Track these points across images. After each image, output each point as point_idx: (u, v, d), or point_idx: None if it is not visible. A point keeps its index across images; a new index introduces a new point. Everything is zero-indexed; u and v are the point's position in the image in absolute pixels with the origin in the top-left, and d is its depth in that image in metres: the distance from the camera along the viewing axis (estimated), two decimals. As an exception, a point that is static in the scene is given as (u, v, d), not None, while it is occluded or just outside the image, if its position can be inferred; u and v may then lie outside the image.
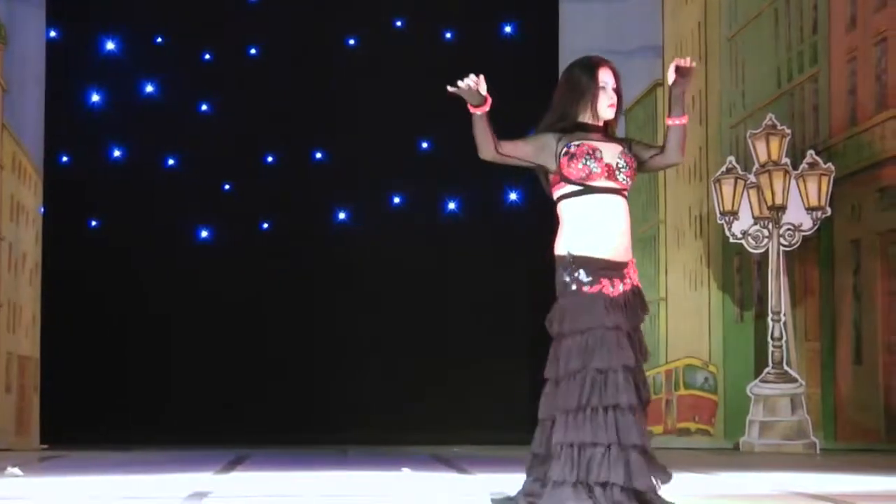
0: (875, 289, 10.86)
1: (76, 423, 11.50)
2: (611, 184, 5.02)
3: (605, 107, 5.10)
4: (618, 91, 5.12)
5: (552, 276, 5.04)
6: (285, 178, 12.16)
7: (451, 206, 12.18)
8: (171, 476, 7.67)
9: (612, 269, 4.97)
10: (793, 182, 10.91)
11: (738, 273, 11.60)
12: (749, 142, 11.05)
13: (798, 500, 6.35)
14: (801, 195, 10.89)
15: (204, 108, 12.21)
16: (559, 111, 5.10)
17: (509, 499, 5.16)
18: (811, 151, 10.98)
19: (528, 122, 5.21)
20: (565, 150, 5.02)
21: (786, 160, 10.92)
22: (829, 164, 10.91)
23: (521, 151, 5.07)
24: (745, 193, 11.03)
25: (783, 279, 10.94)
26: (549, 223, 5.24)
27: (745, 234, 11.03)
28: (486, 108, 4.98)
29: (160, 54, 12.13)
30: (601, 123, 5.13)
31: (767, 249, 10.97)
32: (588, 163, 5.00)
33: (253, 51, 12.27)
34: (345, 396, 11.80)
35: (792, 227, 10.92)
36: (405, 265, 11.94)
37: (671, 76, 5.09)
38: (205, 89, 12.19)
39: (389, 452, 10.12)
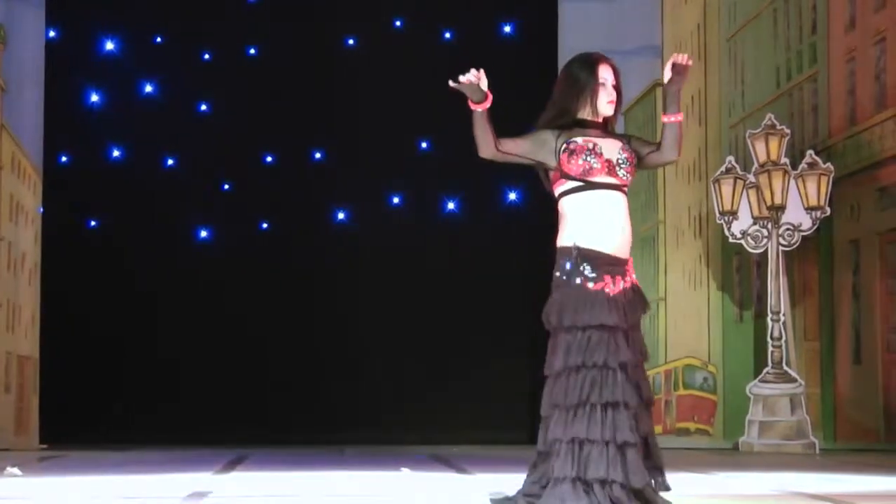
0: (874, 288, 10.87)
1: (75, 423, 11.50)
2: (611, 179, 5.02)
3: (605, 103, 5.11)
4: (617, 88, 5.13)
5: (552, 274, 5.03)
6: (285, 178, 12.15)
7: (451, 205, 12.18)
8: (170, 476, 7.67)
9: (614, 265, 4.98)
10: (792, 182, 10.91)
11: (737, 273, 11.60)
12: (748, 142, 11.05)
13: (797, 500, 6.35)
14: (800, 195, 10.90)
15: (203, 107, 12.21)
16: (558, 107, 5.10)
17: (508, 499, 5.17)
18: (810, 151, 10.98)
19: (528, 122, 5.20)
20: (565, 146, 5.02)
21: (785, 160, 10.93)
22: (829, 164, 10.92)
23: (520, 149, 5.07)
24: (745, 193, 11.04)
25: (782, 279, 10.94)
26: (548, 223, 5.24)
27: (744, 234, 11.03)
28: (487, 104, 4.98)
29: (159, 54, 12.12)
30: (600, 120, 5.13)
31: (767, 249, 10.97)
32: (588, 158, 5.00)
33: (252, 51, 12.26)
34: (344, 396, 11.80)
35: (791, 227, 10.92)
36: (404, 265, 11.94)
37: (667, 74, 5.09)
38: (204, 89, 12.18)
39: (389, 452, 10.12)
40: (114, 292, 11.83)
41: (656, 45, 11.70)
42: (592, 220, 4.98)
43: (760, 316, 11.20)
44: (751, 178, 11.01)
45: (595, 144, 5.02)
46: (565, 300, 4.94)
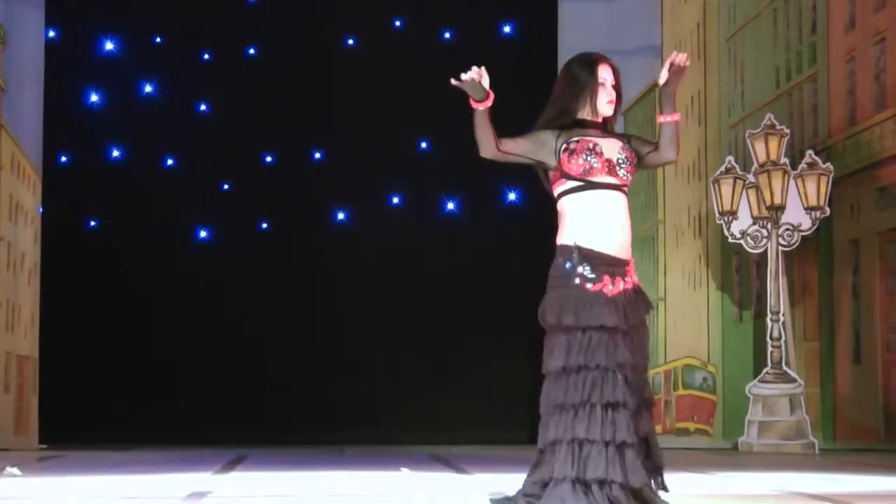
0: (874, 288, 10.87)
1: (75, 423, 11.50)
2: (611, 179, 5.02)
3: (605, 103, 5.11)
4: (617, 88, 5.12)
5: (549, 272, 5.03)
6: (284, 178, 12.15)
7: (450, 205, 12.18)
8: (170, 476, 7.66)
9: (614, 265, 4.98)
10: (792, 182, 10.91)
11: (736, 273, 11.60)
12: (748, 142, 11.05)
13: (797, 500, 6.35)
14: (799, 195, 10.90)
15: (203, 107, 12.20)
16: (558, 107, 5.10)
17: (508, 499, 5.16)
18: (810, 151, 10.98)
19: (528, 122, 5.20)
20: (565, 146, 5.02)
21: (785, 160, 10.93)
22: (828, 164, 10.92)
23: (520, 148, 5.07)
24: (744, 193, 11.04)
25: (782, 279, 10.94)
26: (548, 223, 5.24)
27: (743, 234, 11.03)
28: (489, 103, 4.98)
29: (159, 54, 12.12)
30: (600, 120, 5.13)
31: (766, 249, 10.97)
32: (588, 158, 5.00)
33: (252, 51, 12.26)
34: (344, 396, 11.79)
35: (791, 227, 10.92)
36: (404, 265, 11.93)
37: (664, 75, 5.09)
38: (204, 89, 12.18)
39: (389, 452, 10.12)
40: (113, 292, 11.82)
41: (656, 44, 11.70)
42: (593, 220, 4.98)
43: (760, 316, 11.20)
44: (750, 178, 11.01)
45: (595, 144, 5.02)
46: (564, 300, 4.93)
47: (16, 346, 11.28)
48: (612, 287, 4.95)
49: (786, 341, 10.86)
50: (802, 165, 10.91)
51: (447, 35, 12.22)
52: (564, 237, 5.01)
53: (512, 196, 12.07)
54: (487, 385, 11.71)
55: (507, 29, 12.26)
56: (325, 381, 11.87)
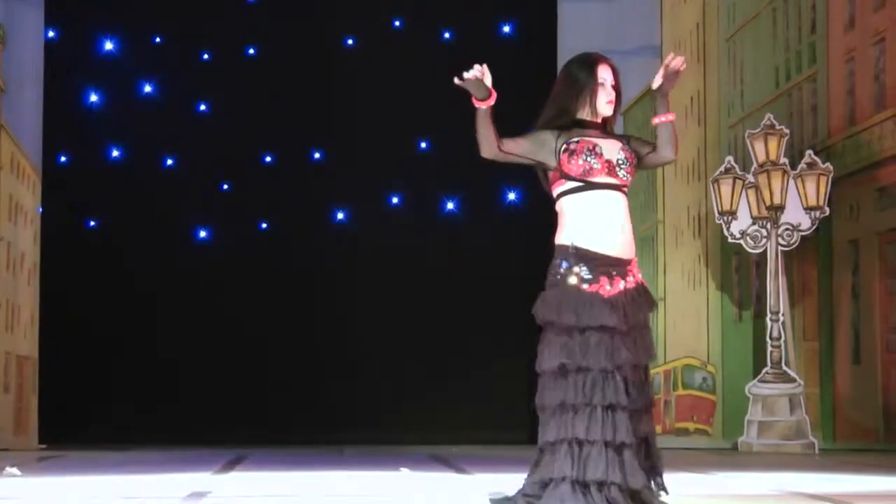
0: (874, 288, 10.87)
1: (75, 423, 11.50)
2: (611, 180, 5.02)
3: (604, 103, 5.11)
4: (617, 88, 5.12)
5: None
6: (284, 178, 12.15)
7: (450, 205, 12.18)
8: (169, 476, 7.66)
9: (613, 266, 4.97)
10: (791, 182, 10.91)
11: (736, 273, 11.61)
12: (747, 142, 11.05)
13: (797, 500, 6.35)
14: (799, 195, 10.90)
15: (202, 107, 12.21)
16: (557, 107, 5.10)
17: (508, 499, 5.16)
18: (810, 151, 10.98)
19: (528, 122, 5.20)
20: (565, 146, 5.02)
21: (784, 160, 10.93)
22: (828, 164, 10.92)
23: (521, 148, 5.07)
24: (744, 193, 11.04)
25: (782, 279, 10.94)
26: (548, 223, 5.23)
27: (743, 234, 11.03)
28: (491, 101, 4.97)
29: (158, 54, 12.12)
30: (599, 120, 5.13)
31: (766, 249, 10.97)
32: (588, 159, 5.00)
33: (251, 51, 12.26)
34: (344, 396, 11.80)
35: (790, 227, 10.92)
36: (404, 265, 11.94)
37: (658, 79, 5.09)
38: (203, 89, 12.18)
39: (388, 452, 10.12)
40: (113, 292, 11.83)
41: (655, 45, 11.70)
42: (592, 221, 4.98)
43: (759, 316, 11.20)
44: (750, 178, 11.01)
45: (595, 145, 5.02)
46: (563, 299, 4.93)
47: (15, 346, 11.28)
48: (610, 287, 4.94)
49: (785, 341, 10.86)
50: (802, 165, 10.91)
51: (447, 35, 12.22)
52: (562, 237, 5.01)
53: (512, 196, 12.07)
54: (487, 385, 11.71)
55: (506, 29, 12.27)
56: (325, 381, 11.87)
